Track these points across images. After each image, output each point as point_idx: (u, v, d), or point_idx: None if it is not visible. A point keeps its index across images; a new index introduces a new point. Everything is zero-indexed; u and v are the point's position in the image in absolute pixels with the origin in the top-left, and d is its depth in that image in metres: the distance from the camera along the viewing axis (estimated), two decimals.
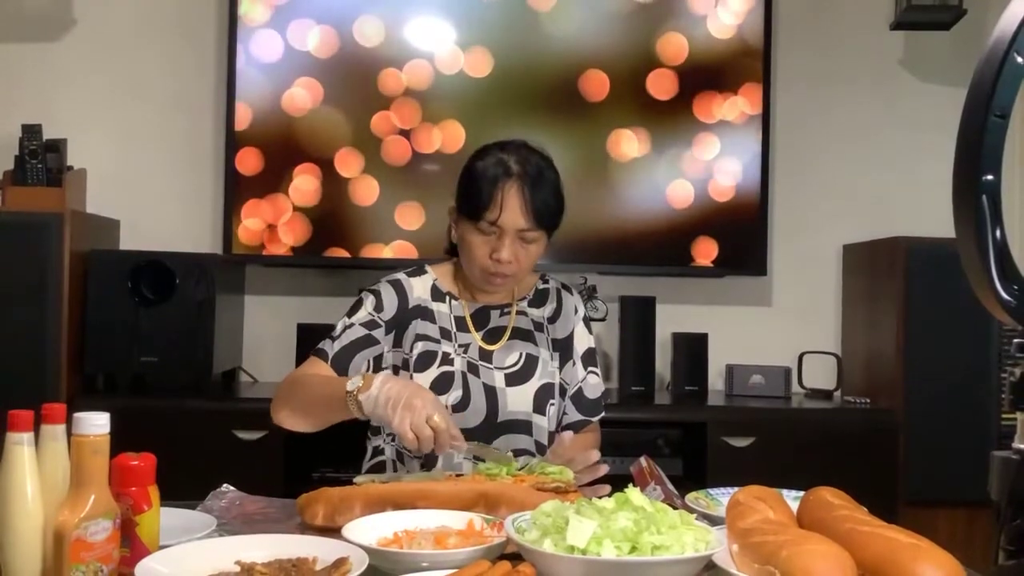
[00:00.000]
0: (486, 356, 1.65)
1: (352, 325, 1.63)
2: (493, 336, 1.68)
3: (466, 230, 1.60)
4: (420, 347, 1.63)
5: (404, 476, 1.38)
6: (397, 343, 1.66)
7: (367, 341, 1.63)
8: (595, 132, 3.04)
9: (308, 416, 1.54)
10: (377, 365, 1.65)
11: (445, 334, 1.65)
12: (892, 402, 2.87)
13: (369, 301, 1.66)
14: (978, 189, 0.66)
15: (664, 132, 3.06)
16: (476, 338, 1.66)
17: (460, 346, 1.65)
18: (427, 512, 1.20)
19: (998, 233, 0.66)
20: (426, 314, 1.66)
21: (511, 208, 1.55)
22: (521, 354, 1.67)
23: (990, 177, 0.66)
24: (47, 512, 0.98)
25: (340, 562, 0.98)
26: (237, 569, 0.97)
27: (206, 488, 1.42)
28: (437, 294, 1.69)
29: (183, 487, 1.24)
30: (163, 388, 2.74)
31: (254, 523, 1.28)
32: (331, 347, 1.61)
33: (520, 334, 1.69)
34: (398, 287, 1.68)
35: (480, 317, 1.69)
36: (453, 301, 1.69)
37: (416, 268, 1.73)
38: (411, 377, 1.61)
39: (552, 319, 1.74)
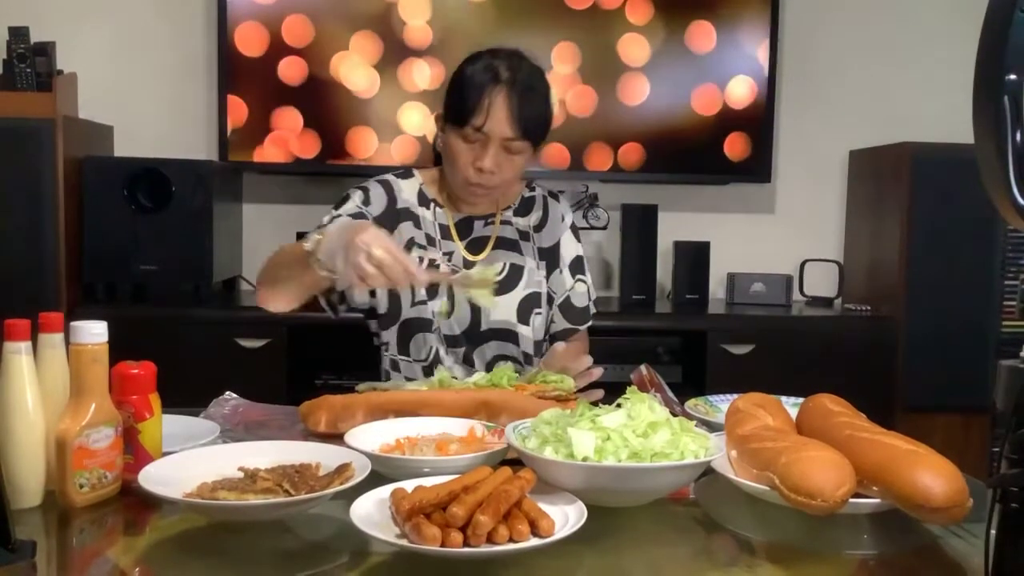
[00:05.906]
0: (469, 266, 1.63)
1: (340, 216, 1.57)
2: (477, 246, 1.66)
3: (451, 137, 1.55)
4: (412, 253, 1.60)
5: (406, 384, 1.38)
6: None
7: None
8: (603, 34, 2.96)
9: (286, 290, 1.47)
10: None
11: (430, 241, 1.64)
12: (893, 310, 2.87)
13: (357, 195, 1.63)
14: (1000, 89, 0.63)
15: (672, 39, 2.98)
16: (460, 247, 1.64)
17: (445, 254, 1.63)
18: (429, 419, 1.22)
19: (1018, 136, 0.64)
20: (413, 218, 1.64)
21: (497, 115, 1.50)
22: (505, 264, 1.65)
23: (1013, 77, 0.63)
24: (48, 421, 0.98)
25: (343, 468, 0.99)
26: (240, 475, 0.98)
27: (209, 396, 1.43)
28: (423, 199, 1.66)
29: (186, 395, 1.25)
30: (164, 297, 2.74)
31: (257, 430, 1.29)
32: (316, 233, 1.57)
33: (504, 244, 1.67)
34: (387, 186, 1.65)
35: (464, 227, 1.66)
36: (438, 209, 1.66)
37: (404, 171, 1.70)
38: None
39: (538, 228, 1.71)
